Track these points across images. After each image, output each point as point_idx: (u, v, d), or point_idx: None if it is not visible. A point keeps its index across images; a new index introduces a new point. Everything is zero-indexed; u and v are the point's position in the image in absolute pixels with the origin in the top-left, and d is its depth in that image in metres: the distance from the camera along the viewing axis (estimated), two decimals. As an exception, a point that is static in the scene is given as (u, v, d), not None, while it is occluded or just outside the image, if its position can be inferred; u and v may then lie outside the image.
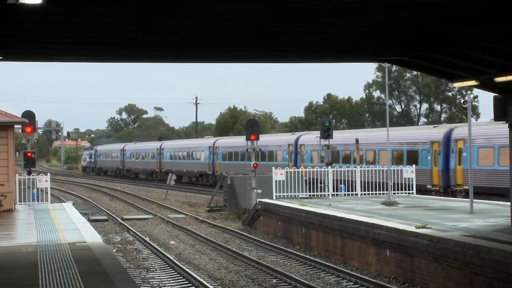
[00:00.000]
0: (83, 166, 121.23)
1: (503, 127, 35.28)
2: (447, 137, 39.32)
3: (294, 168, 36.15)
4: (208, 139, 77.61)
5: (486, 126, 38.09)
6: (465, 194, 36.76)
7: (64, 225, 25.68)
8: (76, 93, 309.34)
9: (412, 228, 20.78)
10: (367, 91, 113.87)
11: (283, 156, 56.01)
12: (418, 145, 41.36)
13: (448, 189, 38.92)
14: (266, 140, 57.36)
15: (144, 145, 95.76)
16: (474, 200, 27.03)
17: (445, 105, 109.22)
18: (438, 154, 39.60)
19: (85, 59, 25.69)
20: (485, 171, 35.84)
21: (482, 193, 34.68)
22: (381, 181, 35.28)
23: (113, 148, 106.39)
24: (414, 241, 20.15)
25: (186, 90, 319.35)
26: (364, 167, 36.64)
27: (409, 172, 35.23)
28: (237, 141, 65.58)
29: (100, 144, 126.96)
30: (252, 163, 38.48)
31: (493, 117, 22.29)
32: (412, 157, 41.28)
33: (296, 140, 55.14)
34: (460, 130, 38.88)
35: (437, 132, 41.08)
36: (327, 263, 23.84)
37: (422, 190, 37.63)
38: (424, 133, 42.48)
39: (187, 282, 21.35)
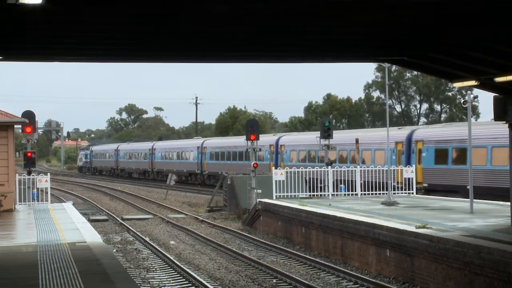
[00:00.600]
0: (79, 166, 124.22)
1: (456, 129, 38.66)
2: (409, 138, 41.70)
3: (294, 168, 36.13)
4: (197, 139, 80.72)
5: (442, 128, 41.20)
6: (424, 192, 38.85)
7: (64, 225, 25.69)
8: (76, 93, 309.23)
9: (412, 228, 20.78)
10: (366, 91, 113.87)
11: (265, 156, 58.74)
12: (384, 145, 42.71)
13: None
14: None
15: (137, 145, 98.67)
16: (473, 200, 27.03)
17: (445, 105, 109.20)
18: (402, 154, 41.96)
19: (85, 59, 25.67)
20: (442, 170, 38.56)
21: (440, 190, 37.33)
22: (380, 181, 35.34)
23: (108, 149, 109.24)
24: (414, 241, 20.16)
25: (186, 90, 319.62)
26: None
27: (409, 172, 35.25)
28: (225, 142, 69.90)
29: (96, 144, 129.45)
30: (252, 163, 38.46)
31: (493, 117, 22.30)
32: (379, 157, 43.73)
33: (277, 141, 58.08)
34: (420, 132, 41.72)
35: (401, 133, 43.42)
36: (327, 263, 23.84)
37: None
38: (390, 134, 43.82)
39: (187, 282, 21.36)
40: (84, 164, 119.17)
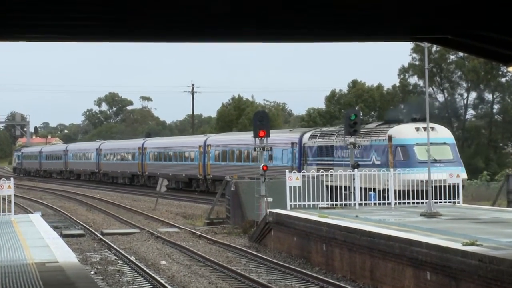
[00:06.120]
0: (13, 166, 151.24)
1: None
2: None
3: (310, 172, 36.15)
4: (138, 140, 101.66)
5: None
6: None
7: (31, 241, 25.76)
8: (46, 80, 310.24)
9: (458, 246, 20.77)
10: (401, 77, 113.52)
11: (195, 156, 75.45)
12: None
13: None
14: (180, 141, 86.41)
15: (55, 148, 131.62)
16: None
17: (497, 94, 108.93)
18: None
19: (56, 38, 25.51)
20: None
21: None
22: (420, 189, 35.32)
23: (33, 150, 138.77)
24: (461, 261, 20.14)
25: (181, 77, 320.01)
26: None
27: (454, 176, 35.19)
28: (164, 142, 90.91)
29: (26, 146, 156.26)
30: (262, 166, 38.41)
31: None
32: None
33: (205, 142, 74.62)
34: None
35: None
36: (353, 288, 23.86)
37: None
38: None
39: (181, 311, 21.40)
40: (17, 165, 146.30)
